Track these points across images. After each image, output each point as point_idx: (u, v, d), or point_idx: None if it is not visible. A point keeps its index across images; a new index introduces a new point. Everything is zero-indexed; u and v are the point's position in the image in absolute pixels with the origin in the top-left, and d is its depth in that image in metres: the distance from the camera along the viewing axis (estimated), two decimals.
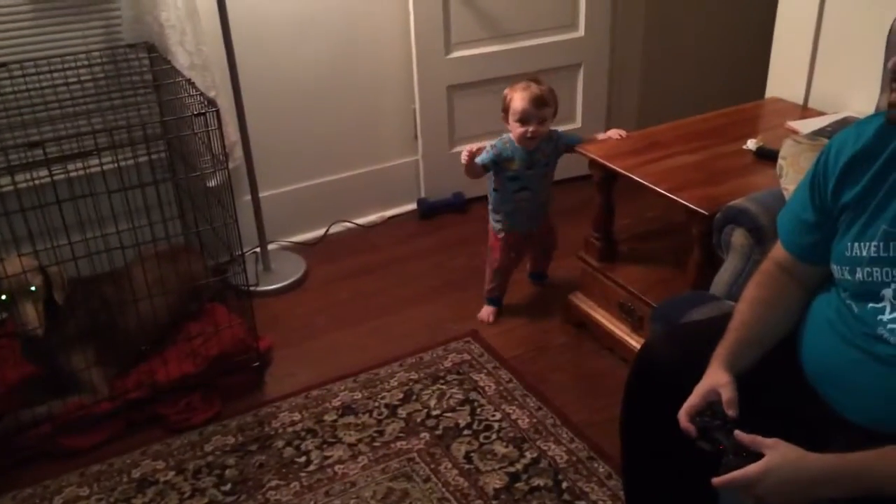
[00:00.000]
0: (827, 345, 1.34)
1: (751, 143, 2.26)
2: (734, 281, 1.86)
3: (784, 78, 2.59)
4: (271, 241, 3.02)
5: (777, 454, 1.21)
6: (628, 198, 2.48)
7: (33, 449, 2.11)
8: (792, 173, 1.83)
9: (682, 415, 1.37)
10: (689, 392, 1.42)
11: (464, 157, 2.41)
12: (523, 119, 2.37)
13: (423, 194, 3.34)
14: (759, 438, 1.24)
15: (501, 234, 2.56)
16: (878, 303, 1.26)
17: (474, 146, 2.43)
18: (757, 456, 1.23)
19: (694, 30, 3.61)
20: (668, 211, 2.59)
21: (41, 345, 2.17)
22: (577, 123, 3.39)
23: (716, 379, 1.37)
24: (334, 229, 3.24)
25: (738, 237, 1.86)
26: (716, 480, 1.27)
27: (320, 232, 3.21)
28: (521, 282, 2.84)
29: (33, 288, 2.08)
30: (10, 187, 2.22)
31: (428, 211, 3.32)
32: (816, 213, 1.37)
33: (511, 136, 2.44)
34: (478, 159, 2.42)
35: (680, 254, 2.41)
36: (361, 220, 3.28)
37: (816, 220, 1.37)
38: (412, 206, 3.35)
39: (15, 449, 2.10)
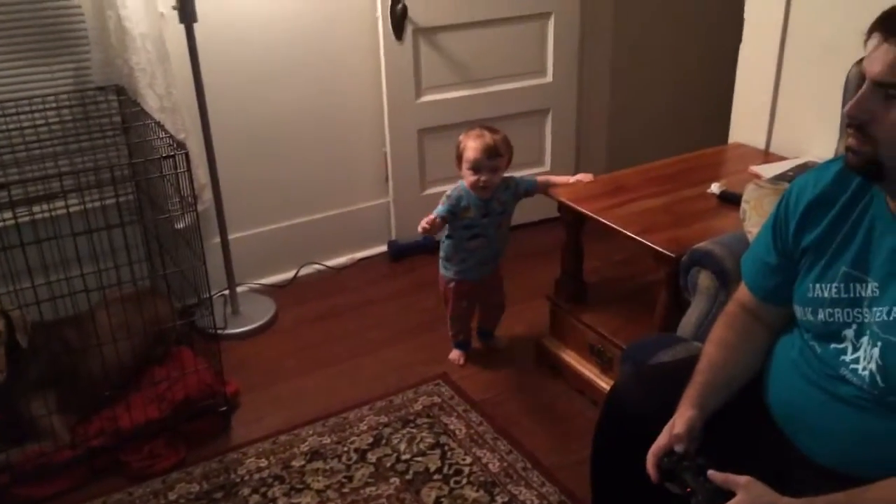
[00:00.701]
0: (792, 386, 1.35)
1: (714, 187, 2.30)
2: (701, 323, 1.88)
3: (746, 124, 2.66)
4: (240, 284, 3.00)
5: (750, 496, 1.21)
6: (597, 239, 2.50)
7: None
8: (755, 216, 1.87)
9: (649, 457, 1.38)
10: (657, 434, 1.43)
11: (421, 229, 2.35)
12: (475, 168, 2.35)
13: (393, 236, 3.34)
14: (733, 477, 1.24)
15: (452, 284, 2.53)
16: (839, 343, 1.28)
17: (429, 218, 2.36)
18: (727, 496, 1.23)
19: (660, 76, 3.71)
20: (636, 253, 2.61)
21: (1, 390, 2.11)
22: (546, 167, 3.44)
23: (680, 420, 1.38)
24: (304, 271, 3.22)
25: (704, 279, 1.88)
26: None
27: (290, 274, 3.19)
28: None
29: None
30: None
31: (399, 253, 3.32)
32: (779, 256, 1.40)
33: (459, 189, 2.42)
34: (434, 213, 2.38)
35: (648, 295, 2.44)
36: (332, 262, 3.27)
37: (779, 262, 1.40)
38: (383, 247, 3.35)
39: None
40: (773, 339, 1.46)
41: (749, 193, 1.94)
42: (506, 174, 2.45)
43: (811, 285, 1.32)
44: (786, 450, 1.34)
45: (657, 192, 2.34)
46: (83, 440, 2.18)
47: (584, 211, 2.27)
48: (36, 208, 2.25)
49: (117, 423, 2.22)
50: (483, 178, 2.35)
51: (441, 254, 2.53)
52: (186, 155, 2.11)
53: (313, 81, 3.02)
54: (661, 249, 2.01)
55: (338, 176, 3.21)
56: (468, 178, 2.38)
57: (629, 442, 1.50)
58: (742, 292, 1.49)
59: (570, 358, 2.48)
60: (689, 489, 1.30)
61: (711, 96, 3.25)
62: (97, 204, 2.34)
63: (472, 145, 2.35)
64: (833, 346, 1.29)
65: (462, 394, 2.46)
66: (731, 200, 2.20)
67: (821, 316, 1.30)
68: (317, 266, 3.25)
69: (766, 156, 2.55)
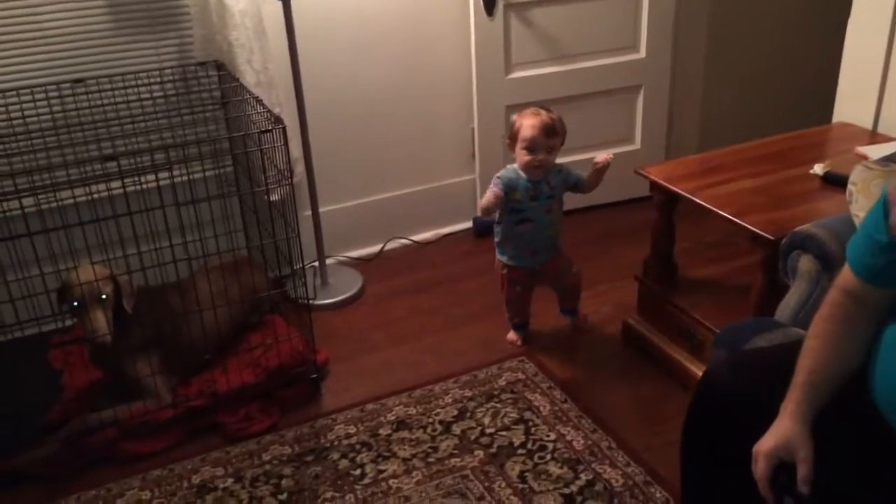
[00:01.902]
0: None
1: (818, 168, 2.21)
2: (800, 308, 1.82)
3: (852, 102, 2.54)
4: (329, 256, 3.07)
5: None
6: (688, 220, 2.45)
7: (98, 452, 2.17)
8: (862, 199, 1.79)
9: (760, 477, 1.34)
10: (753, 422, 1.40)
11: (482, 210, 2.33)
12: (531, 147, 2.29)
13: (478, 213, 3.34)
14: None
15: (504, 270, 2.49)
16: None
17: (488, 197, 2.33)
18: None
19: (757, 51, 3.56)
20: (729, 235, 2.57)
21: (108, 351, 2.23)
22: (637, 145, 3.37)
23: (792, 438, 1.32)
24: (390, 245, 3.27)
25: (805, 263, 1.82)
26: None
27: (377, 248, 3.25)
28: (581, 300, 2.83)
29: (104, 296, 2.15)
30: (85, 198, 2.31)
31: (483, 230, 3.33)
32: (890, 234, 1.33)
33: (515, 165, 2.37)
34: (490, 192, 2.34)
35: (741, 278, 2.38)
36: (417, 237, 3.31)
37: (890, 241, 1.33)
38: (468, 224, 3.37)
39: (80, 452, 2.16)
40: (876, 327, 1.40)
41: (856, 175, 1.86)
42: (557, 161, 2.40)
43: None
44: (890, 440, 1.30)
45: (755, 172, 2.27)
46: (183, 401, 2.28)
47: (677, 191, 2.22)
48: (141, 179, 2.35)
49: (215, 386, 2.32)
50: (539, 157, 2.30)
51: (495, 238, 2.50)
52: (283, 130, 2.17)
53: (404, 57, 3.04)
54: (759, 231, 1.96)
55: (425, 152, 3.23)
56: (522, 158, 2.32)
57: (722, 428, 1.48)
58: (844, 277, 1.43)
59: (659, 340, 2.44)
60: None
61: (814, 73, 3.12)
62: (198, 175, 2.43)
63: (528, 123, 2.29)
64: None
65: (546, 371, 2.46)
66: (836, 182, 2.12)
67: None
68: (402, 241, 3.29)
69: (874, 136, 2.43)
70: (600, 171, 2.38)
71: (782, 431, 1.32)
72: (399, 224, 3.27)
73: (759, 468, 1.32)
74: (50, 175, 2.17)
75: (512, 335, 2.62)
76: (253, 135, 2.19)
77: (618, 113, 3.33)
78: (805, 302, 1.81)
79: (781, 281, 1.97)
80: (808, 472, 1.29)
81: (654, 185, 2.32)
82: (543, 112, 2.32)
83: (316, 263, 2.99)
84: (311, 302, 2.73)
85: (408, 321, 2.80)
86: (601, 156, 2.36)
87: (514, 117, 2.36)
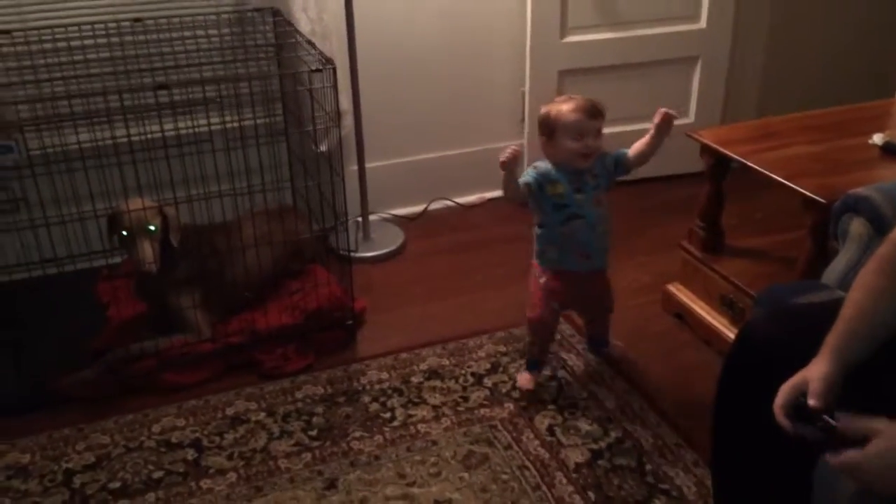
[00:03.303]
0: None
1: (877, 138, 2.15)
2: (848, 272, 1.77)
3: None
4: (373, 212, 3.09)
5: (886, 437, 1.14)
6: (738, 196, 2.41)
7: (138, 380, 2.23)
8: None
9: (778, 405, 1.31)
10: (790, 377, 1.36)
11: (507, 155, 1.93)
12: (580, 131, 1.99)
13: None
14: (866, 420, 1.17)
15: (543, 279, 2.14)
16: None
17: (510, 151, 1.95)
18: (861, 440, 1.16)
19: (822, 24, 3.45)
20: (779, 211, 2.51)
21: (154, 284, 2.29)
22: (690, 119, 3.30)
23: (817, 368, 1.30)
24: (434, 206, 3.27)
25: (857, 226, 1.76)
26: (830, 460, 1.20)
27: (420, 207, 3.25)
28: (617, 269, 2.79)
29: (152, 227, 2.20)
30: (138, 137, 2.36)
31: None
32: None
33: (547, 163, 2.07)
34: (520, 179, 2.03)
35: (789, 251, 2.32)
36: (461, 200, 3.30)
37: None
38: None
39: (121, 378, 2.22)
40: None
41: None
42: None
43: None
44: None
45: (811, 139, 2.22)
46: (223, 336, 2.33)
47: (727, 153, 2.18)
48: (192, 122, 2.40)
49: (254, 325, 2.36)
50: (588, 142, 2.01)
51: (536, 247, 2.17)
52: (334, 70, 2.18)
53: (458, 17, 3.03)
54: (810, 195, 1.91)
55: (474, 113, 3.22)
56: (568, 147, 2.00)
57: (759, 383, 1.43)
58: None
59: (699, 308, 2.40)
60: (814, 438, 1.23)
61: (878, 47, 3.01)
62: (248, 123, 2.48)
63: (567, 108, 2.00)
64: None
65: (583, 333, 2.43)
66: (894, 153, 2.05)
67: None
68: (446, 202, 3.29)
69: None
70: (662, 129, 2.03)
71: (810, 370, 1.28)
72: (444, 185, 3.27)
73: (778, 397, 1.29)
74: (105, 99, 2.21)
75: (524, 378, 2.20)
76: (303, 74, 2.21)
77: (673, 85, 3.27)
78: (853, 266, 1.76)
79: (831, 249, 1.91)
80: (822, 389, 1.24)
81: (705, 149, 2.27)
82: (578, 96, 2.06)
83: (359, 218, 3.01)
84: (352, 254, 2.76)
85: (447, 278, 2.80)
86: (663, 111, 2.03)
87: (544, 108, 2.05)
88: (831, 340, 1.33)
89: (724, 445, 1.59)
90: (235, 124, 2.37)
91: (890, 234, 1.42)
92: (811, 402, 1.23)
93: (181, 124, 2.38)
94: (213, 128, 2.45)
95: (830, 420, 1.21)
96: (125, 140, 2.33)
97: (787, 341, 1.42)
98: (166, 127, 2.41)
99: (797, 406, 1.28)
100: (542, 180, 2.04)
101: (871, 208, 1.73)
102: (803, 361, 1.35)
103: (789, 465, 1.48)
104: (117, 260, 2.61)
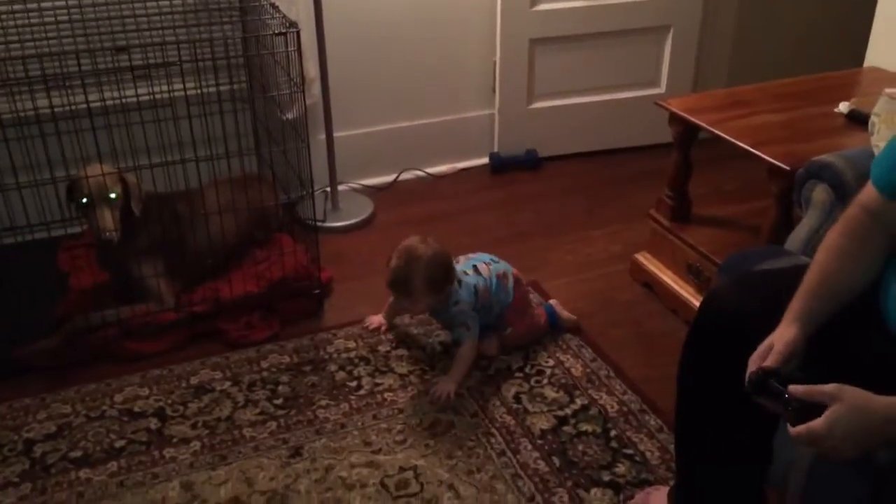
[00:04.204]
0: None
1: (843, 106, 2.15)
2: (810, 238, 1.78)
3: (885, 47, 2.46)
4: (341, 182, 3.05)
5: (842, 404, 1.14)
6: (706, 167, 2.42)
7: (99, 349, 2.19)
8: (885, 130, 1.74)
9: (749, 369, 1.31)
10: (755, 342, 1.36)
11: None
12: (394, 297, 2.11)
13: (496, 149, 3.31)
14: (818, 387, 1.17)
15: None
16: None
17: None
18: (819, 408, 1.16)
19: None
20: (747, 183, 2.53)
21: (115, 253, 2.25)
22: (661, 89, 3.29)
23: (781, 334, 1.31)
24: (404, 176, 3.24)
25: (820, 193, 1.77)
26: (790, 431, 1.20)
27: (390, 178, 3.22)
28: (591, 238, 2.81)
29: (113, 195, 2.16)
30: (99, 103, 2.30)
31: (500, 166, 3.29)
32: None
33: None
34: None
35: (756, 220, 2.33)
36: (432, 170, 3.28)
37: None
38: (484, 160, 3.33)
39: (82, 348, 2.18)
40: (890, 248, 1.36)
41: (880, 107, 1.81)
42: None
43: None
44: None
45: (778, 108, 2.22)
46: (186, 305, 2.30)
47: (695, 121, 2.17)
48: (155, 88, 2.34)
49: (218, 294, 2.33)
50: (405, 305, 2.12)
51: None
52: (297, 34, 2.13)
53: None
54: (775, 162, 1.91)
55: (445, 82, 3.18)
56: None
57: (723, 348, 1.44)
58: (866, 193, 1.38)
59: (667, 277, 2.41)
60: (776, 405, 1.24)
61: (849, 16, 3.01)
62: (212, 89, 2.42)
63: (388, 271, 2.02)
64: None
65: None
66: (860, 120, 2.06)
67: None
68: (417, 172, 3.26)
69: None
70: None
71: (774, 336, 1.29)
72: (414, 155, 3.24)
73: (749, 367, 1.29)
74: (62, 62, 2.15)
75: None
76: (266, 37, 2.16)
77: (644, 54, 3.25)
78: (816, 231, 1.77)
79: (796, 217, 1.93)
80: (782, 350, 1.24)
81: (673, 117, 2.27)
82: (411, 253, 2.00)
83: (328, 188, 2.98)
84: (319, 223, 2.73)
85: None
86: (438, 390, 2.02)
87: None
88: (795, 304, 1.33)
89: (687, 411, 1.59)
90: (199, 90, 2.31)
91: (857, 196, 1.42)
92: (766, 363, 1.24)
93: (142, 90, 2.33)
94: (175, 94, 2.39)
95: (785, 391, 1.21)
96: (84, 106, 2.27)
97: (751, 307, 1.43)
98: (128, 93, 2.35)
99: (759, 378, 1.28)
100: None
101: (834, 175, 1.74)
102: (767, 327, 1.36)
103: (751, 430, 1.50)
104: (77, 229, 2.56)
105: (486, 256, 2.22)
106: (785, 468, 1.63)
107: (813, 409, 1.15)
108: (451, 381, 2.03)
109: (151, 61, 2.11)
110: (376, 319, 2.30)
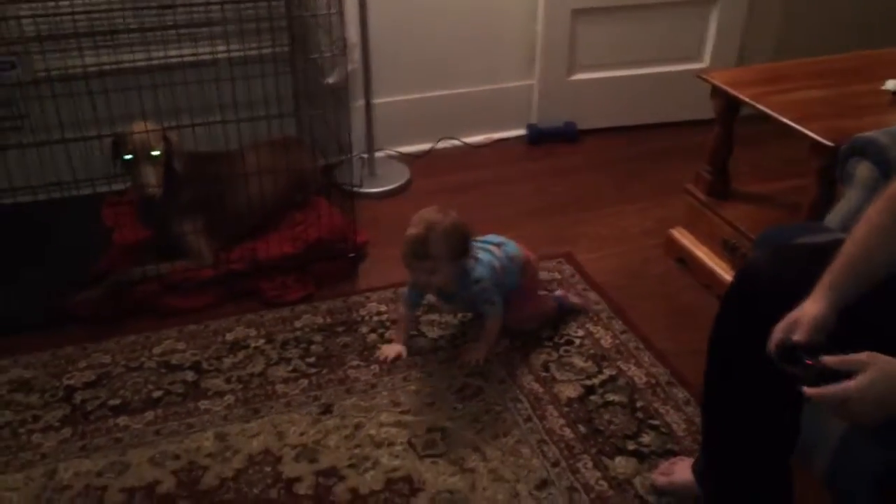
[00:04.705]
0: None
1: (890, 84, 2.11)
2: (852, 216, 1.74)
3: None
4: (379, 149, 3.07)
5: (871, 367, 1.15)
6: (746, 148, 2.39)
7: (139, 303, 2.25)
8: None
9: (772, 338, 1.31)
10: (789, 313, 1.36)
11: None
12: (408, 266, 1.97)
13: (534, 120, 3.30)
14: (851, 356, 1.18)
15: None
16: None
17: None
18: (846, 376, 1.17)
19: None
20: (789, 161, 2.49)
21: (157, 210, 2.30)
22: (704, 63, 3.24)
23: (809, 307, 1.30)
24: (441, 145, 3.25)
25: (863, 170, 1.74)
26: (808, 391, 1.21)
27: (427, 146, 3.23)
28: (621, 213, 2.80)
29: (156, 152, 2.20)
30: (144, 62, 2.35)
31: (537, 137, 3.28)
32: None
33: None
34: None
35: (796, 198, 2.30)
36: (469, 139, 3.28)
37: None
38: (522, 131, 3.32)
39: (123, 301, 2.24)
40: None
41: None
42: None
43: None
44: None
45: (823, 84, 2.18)
46: (224, 263, 2.34)
47: (737, 95, 2.14)
48: (199, 49, 2.38)
49: (255, 254, 2.38)
50: (420, 278, 1.98)
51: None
52: None
53: None
54: (818, 138, 1.88)
55: (484, 52, 3.17)
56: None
57: (756, 318, 1.43)
58: None
59: (701, 252, 2.39)
60: (801, 372, 1.24)
61: None
62: (254, 52, 2.45)
63: (406, 236, 1.94)
64: None
65: (584, 273, 2.44)
66: None
67: None
68: (454, 141, 3.27)
69: None
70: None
71: (802, 308, 1.28)
72: (452, 124, 3.24)
73: (772, 336, 1.29)
74: (109, 19, 2.19)
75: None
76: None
77: (689, 27, 3.20)
78: (857, 210, 1.73)
79: (837, 195, 1.90)
80: (810, 328, 1.24)
81: (715, 90, 2.24)
82: (429, 218, 1.93)
83: (365, 154, 3.00)
84: (356, 189, 2.75)
85: None
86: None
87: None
88: (828, 278, 1.32)
89: (716, 382, 1.59)
90: (242, 52, 2.34)
91: None
92: (795, 337, 1.24)
93: (186, 50, 2.36)
94: (218, 55, 2.43)
95: (812, 360, 1.21)
96: (130, 64, 2.32)
97: (785, 279, 1.42)
98: (172, 53, 2.39)
99: (786, 347, 1.28)
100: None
101: (879, 152, 1.70)
102: (800, 300, 1.35)
103: (779, 404, 1.49)
104: (121, 186, 2.62)
105: (496, 238, 2.15)
106: (811, 446, 1.63)
107: (836, 379, 1.16)
108: (480, 348, 2.06)
109: (196, 18, 2.13)
110: (392, 350, 2.09)
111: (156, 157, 2.20)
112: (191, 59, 2.50)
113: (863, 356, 1.16)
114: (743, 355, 1.49)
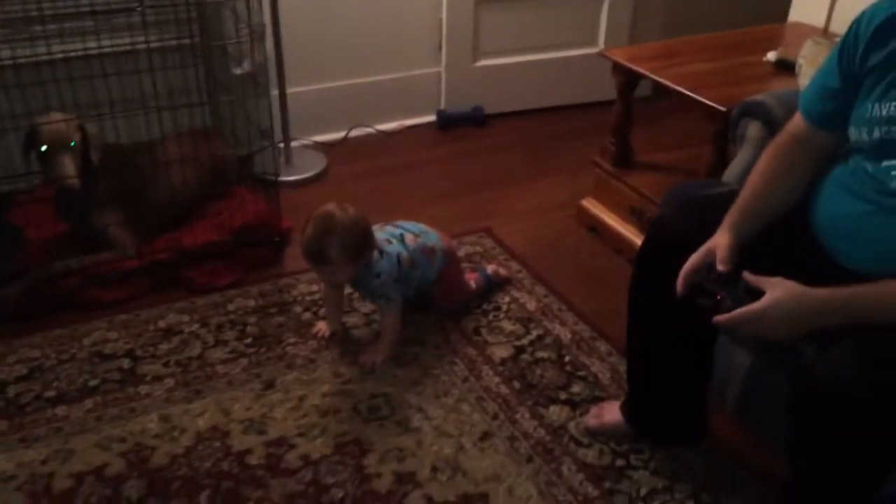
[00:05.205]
0: (838, 202, 1.42)
1: (771, 55, 2.33)
2: (745, 171, 1.92)
3: (808, 3, 2.64)
4: (293, 139, 3.10)
5: (780, 289, 1.31)
6: (645, 123, 2.55)
7: (63, 298, 2.21)
8: (810, 71, 1.90)
9: (681, 274, 1.46)
10: None
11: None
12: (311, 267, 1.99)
13: (442, 106, 3.41)
14: (763, 278, 1.34)
15: None
16: (892, 159, 1.34)
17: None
18: (757, 297, 1.33)
19: None
20: (684, 136, 2.71)
21: (75, 201, 2.26)
22: (599, 46, 3.43)
23: (715, 241, 1.46)
24: (354, 133, 3.31)
25: (753, 129, 1.93)
26: (718, 318, 1.37)
27: (341, 134, 3.29)
28: (534, 189, 2.94)
29: (72, 142, 2.17)
30: (60, 55, 2.30)
31: (446, 123, 3.39)
32: (842, 80, 1.43)
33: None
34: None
35: (693, 165, 2.49)
36: (381, 127, 3.35)
37: (840, 86, 1.43)
38: (431, 117, 3.42)
39: (45, 297, 2.20)
40: (816, 169, 1.52)
41: (807, 49, 1.97)
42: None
43: (870, 105, 1.36)
44: (824, 260, 1.42)
45: (712, 57, 2.38)
46: (149, 253, 2.33)
47: (637, 69, 2.31)
48: (115, 41, 2.35)
49: (181, 243, 2.37)
50: (324, 277, 2.04)
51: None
52: None
53: None
54: (711, 104, 2.06)
55: (392, 41, 3.25)
56: None
57: (669, 265, 1.57)
58: (794, 122, 1.54)
59: (611, 220, 2.56)
60: (717, 296, 1.39)
61: None
62: (171, 42, 2.45)
63: (303, 239, 1.91)
64: (885, 163, 1.34)
65: (504, 246, 2.56)
66: (787, 68, 2.23)
67: (876, 134, 1.34)
68: (367, 129, 3.33)
69: (826, 35, 2.54)
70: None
71: (713, 241, 1.44)
72: (364, 112, 3.31)
73: (686, 265, 1.43)
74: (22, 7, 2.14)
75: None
76: None
77: (583, 14, 3.39)
78: (750, 166, 1.90)
79: (730, 156, 2.09)
80: (726, 255, 1.40)
81: (616, 67, 2.40)
82: (325, 222, 1.88)
83: (281, 144, 3.02)
84: (275, 178, 2.78)
85: (370, 200, 2.85)
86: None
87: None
88: (729, 218, 1.49)
89: (637, 326, 1.73)
90: (159, 43, 2.34)
91: (787, 125, 1.58)
92: (720, 267, 1.39)
93: (105, 42, 2.33)
94: (136, 47, 2.41)
95: (721, 292, 1.37)
96: (45, 57, 2.26)
97: (693, 227, 1.57)
98: (91, 45, 2.35)
99: (697, 279, 1.43)
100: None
101: (766, 111, 1.90)
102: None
103: (693, 341, 1.65)
104: (28, 185, 2.54)
105: (417, 227, 2.14)
106: (721, 383, 1.81)
107: (751, 297, 1.32)
108: (377, 352, 2.04)
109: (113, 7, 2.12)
110: (326, 326, 2.14)
111: (72, 147, 2.17)
112: (108, 50, 2.46)
113: (772, 279, 1.32)
114: (658, 300, 1.63)
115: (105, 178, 2.29)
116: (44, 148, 2.15)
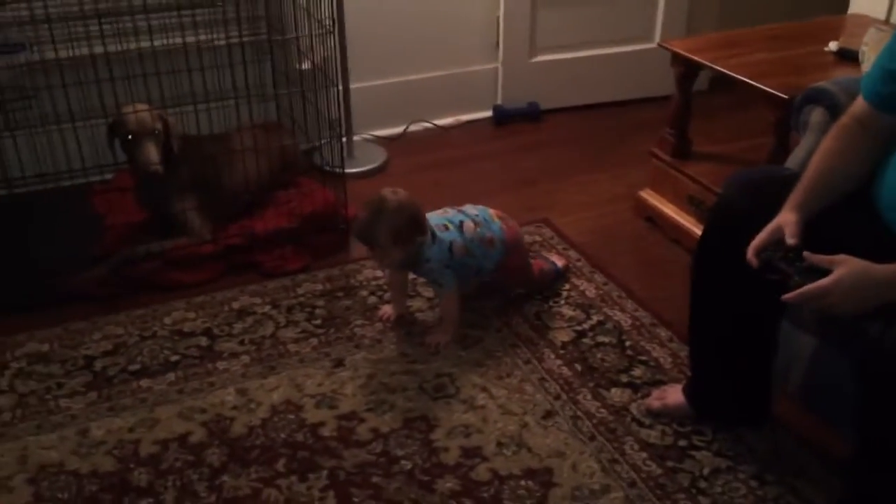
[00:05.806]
0: None
1: (832, 45, 2.33)
2: (809, 157, 1.95)
3: None
4: (354, 134, 3.19)
5: (846, 266, 1.34)
6: (704, 117, 2.57)
7: (143, 280, 2.33)
8: (873, 57, 1.90)
9: (750, 250, 1.49)
10: None
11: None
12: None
13: (499, 101, 3.47)
14: (828, 256, 1.37)
15: None
16: None
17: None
18: (824, 274, 1.36)
19: None
20: (744, 128, 2.72)
21: (156, 188, 2.38)
22: (655, 41, 3.45)
23: (783, 218, 1.49)
24: (413, 128, 3.39)
25: (817, 115, 1.95)
26: (787, 296, 1.39)
27: (400, 129, 3.37)
28: (590, 182, 2.98)
29: (156, 131, 2.29)
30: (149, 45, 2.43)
31: (503, 118, 3.45)
32: None
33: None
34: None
35: (753, 153, 2.51)
36: (439, 122, 3.43)
37: None
38: (488, 112, 3.48)
39: (127, 279, 2.32)
40: (880, 149, 1.53)
41: (869, 36, 1.99)
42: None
43: None
44: (889, 239, 1.44)
45: (771, 48, 2.40)
46: (223, 238, 2.44)
47: (696, 59, 2.34)
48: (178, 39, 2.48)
49: (252, 229, 2.47)
50: (377, 259, 2.10)
51: None
52: None
53: None
54: (774, 91, 2.09)
55: (450, 37, 3.32)
56: None
57: (732, 244, 1.60)
58: (857, 104, 1.56)
59: (668, 209, 2.59)
60: (786, 274, 1.42)
61: None
62: (235, 40, 2.56)
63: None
64: None
65: (562, 235, 2.61)
66: (849, 57, 2.24)
67: None
68: (425, 124, 3.41)
69: (887, 25, 2.54)
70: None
71: (780, 218, 1.47)
72: (422, 107, 3.38)
73: (755, 241, 1.47)
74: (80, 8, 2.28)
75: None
76: None
77: (638, 9, 3.42)
78: (814, 152, 1.94)
79: (792, 144, 2.10)
80: (795, 230, 1.43)
81: (675, 58, 2.43)
82: (376, 205, 1.93)
83: (343, 137, 3.11)
84: (337, 170, 2.87)
85: (430, 191, 2.92)
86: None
87: None
88: (794, 197, 1.52)
89: (700, 307, 1.76)
90: (224, 42, 2.45)
91: (849, 108, 1.60)
92: (790, 240, 1.42)
93: (177, 39, 2.45)
94: (218, 43, 2.53)
95: (791, 267, 1.40)
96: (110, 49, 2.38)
97: (755, 205, 1.60)
98: (156, 44, 2.47)
99: (766, 257, 1.47)
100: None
101: (830, 98, 1.91)
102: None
103: (758, 321, 1.68)
104: (108, 176, 2.67)
105: (481, 215, 2.13)
106: (786, 363, 1.82)
107: (818, 275, 1.34)
108: (441, 333, 2.10)
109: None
110: (392, 309, 2.20)
111: (156, 135, 2.28)
112: (178, 46, 2.58)
113: (838, 257, 1.35)
114: (723, 280, 1.67)
115: (183, 166, 2.41)
116: (130, 136, 2.26)
